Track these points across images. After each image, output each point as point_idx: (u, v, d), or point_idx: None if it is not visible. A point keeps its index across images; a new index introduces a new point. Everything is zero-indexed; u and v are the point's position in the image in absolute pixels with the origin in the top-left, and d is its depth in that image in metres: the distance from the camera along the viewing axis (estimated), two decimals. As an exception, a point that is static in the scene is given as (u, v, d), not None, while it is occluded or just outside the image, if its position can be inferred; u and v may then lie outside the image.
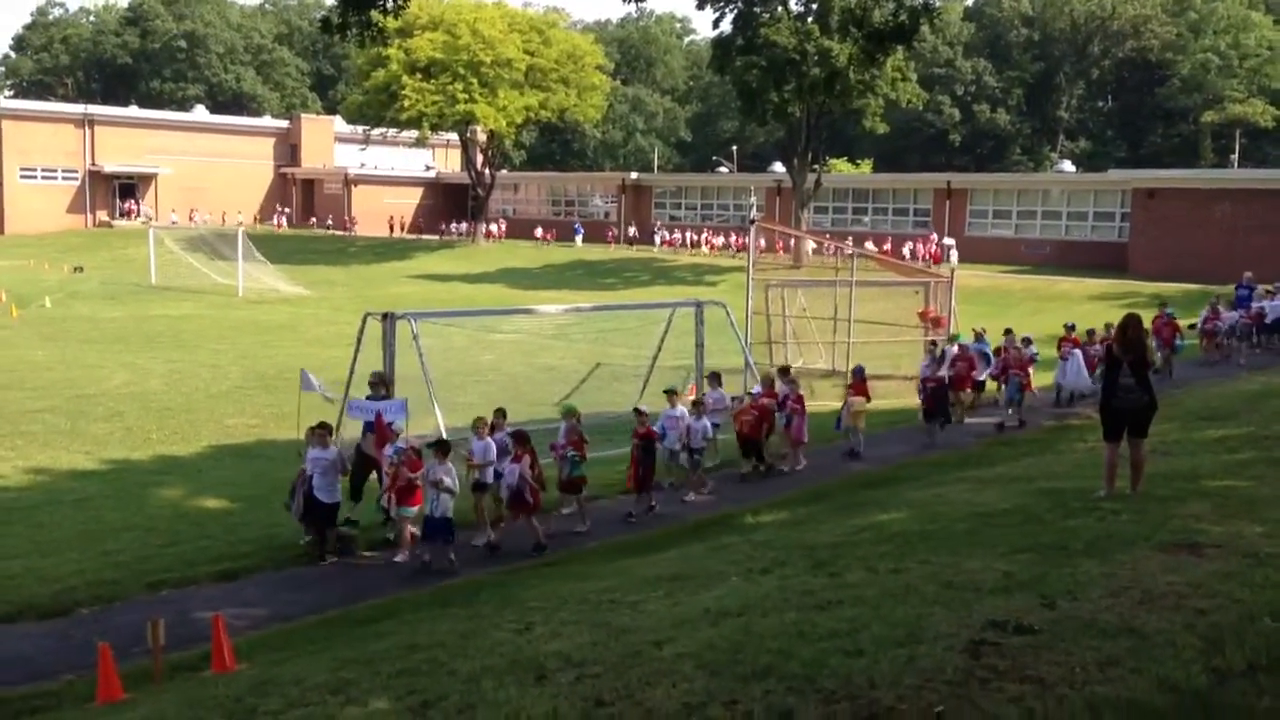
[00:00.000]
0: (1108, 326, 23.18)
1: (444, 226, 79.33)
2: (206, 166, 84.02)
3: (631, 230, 69.33)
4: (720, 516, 14.86)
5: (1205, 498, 10.85)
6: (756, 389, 18.10)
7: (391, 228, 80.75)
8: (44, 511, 16.20)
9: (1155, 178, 52.66)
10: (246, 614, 11.59)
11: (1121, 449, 11.52)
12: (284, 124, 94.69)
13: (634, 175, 77.33)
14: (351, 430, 16.87)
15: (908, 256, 51.96)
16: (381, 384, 15.82)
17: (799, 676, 6.03)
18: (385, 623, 10.86)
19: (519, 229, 75.84)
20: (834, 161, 77.05)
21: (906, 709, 5.48)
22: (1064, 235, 54.00)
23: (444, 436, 14.05)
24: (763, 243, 51.89)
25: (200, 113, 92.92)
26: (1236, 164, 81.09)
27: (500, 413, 15.24)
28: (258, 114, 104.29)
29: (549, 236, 72.40)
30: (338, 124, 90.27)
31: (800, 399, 17.68)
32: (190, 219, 77.48)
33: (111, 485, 17.86)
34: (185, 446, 20.84)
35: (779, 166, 65.25)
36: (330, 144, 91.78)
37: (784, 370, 19.55)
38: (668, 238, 66.75)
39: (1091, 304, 38.92)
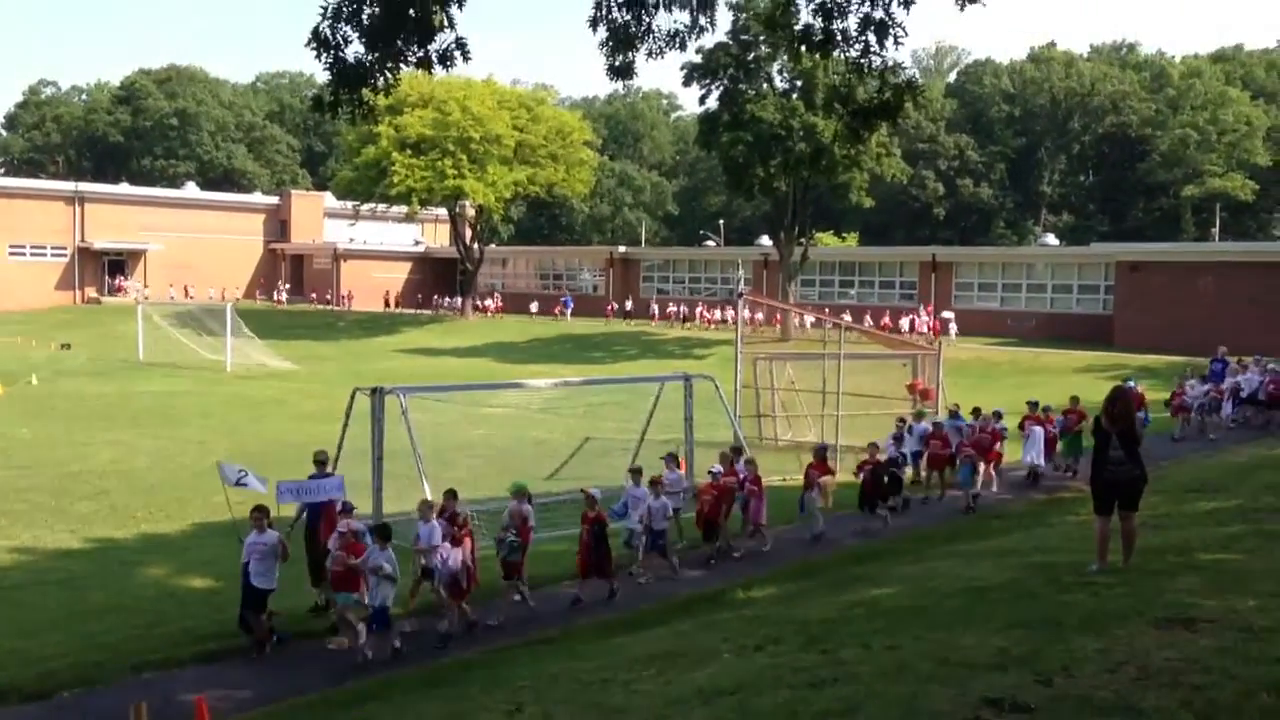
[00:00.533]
0: (1073, 400, 23.82)
1: (437, 300, 79.63)
2: (196, 243, 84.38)
3: (628, 304, 69.44)
4: (711, 592, 14.74)
5: (1197, 571, 10.82)
6: (715, 468, 17.46)
7: (387, 302, 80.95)
8: (27, 591, 15.98)
9: (1138, 251, 53.21)
10: (231, 696, 11.40)
11: (1113, 522, 11.49)
12: (274, 200, 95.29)
13: (622, 249, 77.90)
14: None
15: (906, 329, 52.26)
16: (326, 462, 15.53)
17: (794, 758, 5.94)
18: (370, 705, 10.69)
19: (509, 303, 76.19)
20: (820, 235, 77.77)
21: (904, 791, 5.39)
22: (1049, 308, 54.41)
23: (386, 523, 13.46)
24: (760, 316, 52.33)
25: (191, 189, 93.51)
26: (1218, 237, 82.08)
27: (450, 494, 14.68)
28: (248, 190, 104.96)
29: (558, 310, 72.39)
30: (327, 199, 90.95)
31: (758, 480, 17.23)
32: (186, 295, 77.63)
33: (96, 564, 17.64)
34: (171, 524, 20.63)
35: (766, 240, 65.81)
36: (320, 219, 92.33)
37: (738, 450, 18.77)
38: (670, 310, 66.61)
39: (1077, 376, 39.07)
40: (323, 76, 9.25)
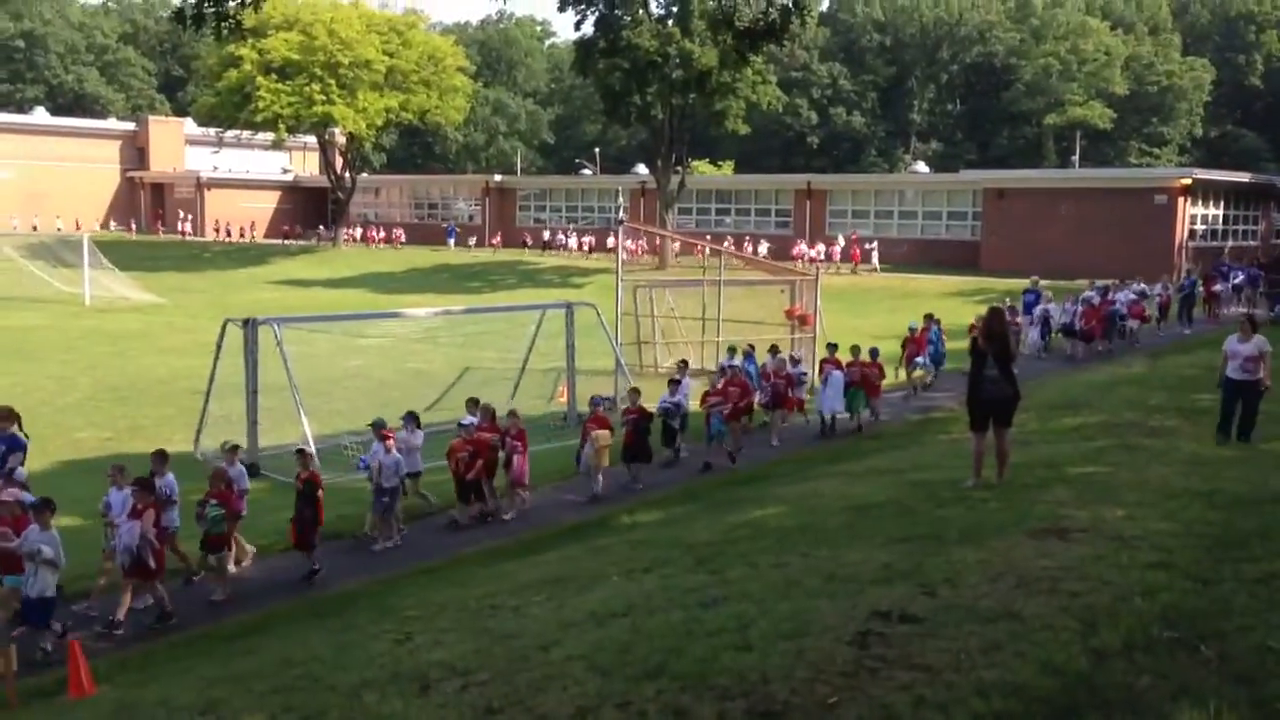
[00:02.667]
0: (912, 327, 24.06)
1: (299, 230, 77.41)
2: (48, 171, 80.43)
3: (546, 235, 66.99)
4: (597, 518, 14.78)
5: (1067, 484, 11.22)
6: (468, 419, 15.49)
7: (242, 232, 77.94)
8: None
9: (1003, 178, 54.60)
10: (105, 635, 11.06)
11: (987, 439, 11.83)
12: (131, 126, 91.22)
13: (498, 178, 76.80)
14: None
15: (821, 257, 52.11)
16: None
17: (691, 675, 5.99)
18: (255, 638, 10.48)
19: (387, 232, 74.72)
20: (696, 163, 77.81)
21: (800, 702, 5.48)
22: (920, 234, 55.55)
23: (49, 497, 11.03)
24: (642, 244, 52.24)
25: (40, 115, 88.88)
26: (1078, 164, 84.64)
27: (160, 456, 12.88)
28: (102, 116, 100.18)
29: (397, 240, 71.07)
30: (188, 126, 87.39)
31: (522, 434, 15.33)
32: (34, 228, 73.99)
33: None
34: (31, 462, 19.75)
35: (643, 169, 65.60)
36: (180, 147, 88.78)
37: (489, 412, 15.96)
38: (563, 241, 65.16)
39: (947, 300, 40.07)
40: (183, -10, 8.76)
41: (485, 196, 73.43)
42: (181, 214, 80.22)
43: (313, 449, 13.40)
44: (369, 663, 7.71)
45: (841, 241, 53.78)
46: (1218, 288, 34.03)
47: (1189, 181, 46.97)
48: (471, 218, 74.42)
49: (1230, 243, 50.18)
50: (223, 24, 8.64)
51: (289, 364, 17.53)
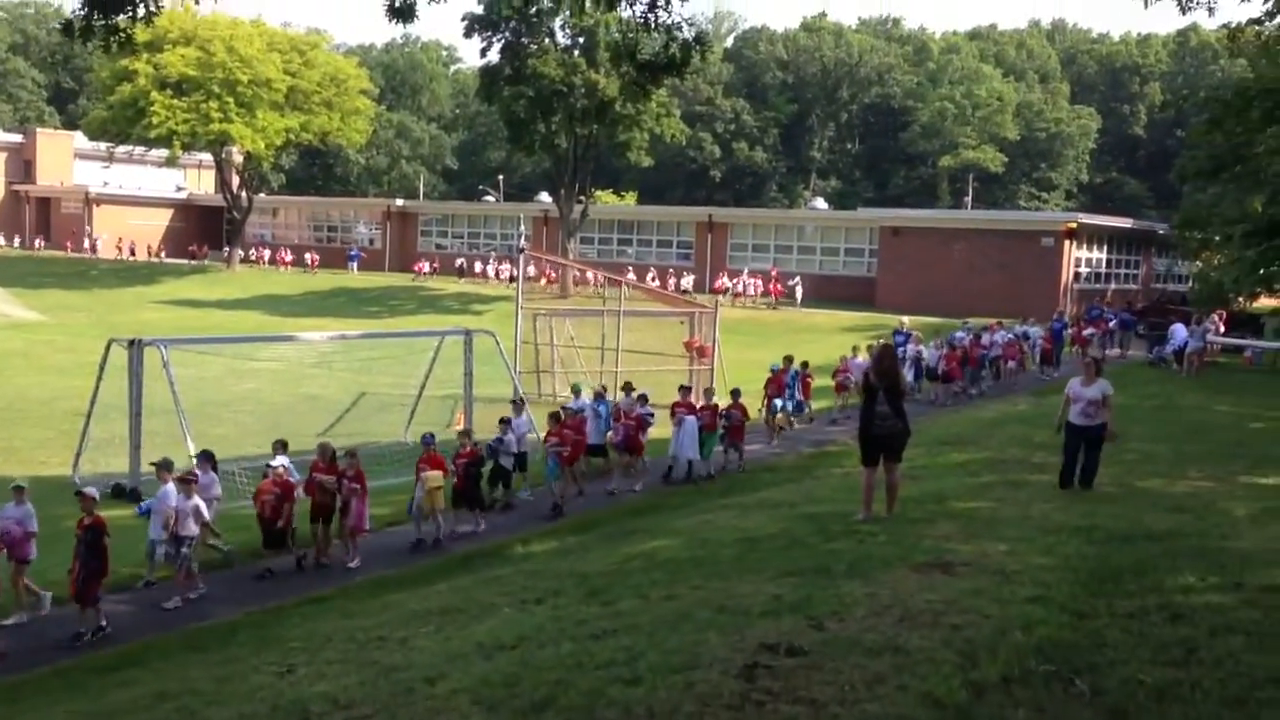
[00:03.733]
0: (774, 367, 22.90)
1: (196, 249, 75.43)
2: (-73, 181, 77.54)
3: (460, 262, 65.39)
4: (491, 547, 14.66)
5: (953, 519, 11.47)
6: (276, 460, 14.34)
7: (133, 250, 75.39)
8: None
9: (899, 217, 55.79)
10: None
11: (878, 473, 12.03)
12: (17, 138, 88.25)
13: (400, 202, 76.04)
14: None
15: (740, 290, 52.58)
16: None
17: (578, 708, 5.96)
18: (130, 670, 10.14)
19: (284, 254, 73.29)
20: (600, 193, 78.07)
21: (685, 736, 5.48)
22: (818, 269, 56.39)
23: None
24: (538, 271, 51.99)
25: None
26: (970, 205, 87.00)
27: None
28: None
29: (314, 264, 69.84)
30: (78, 140, 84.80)
31: (360, 477, 14.19)
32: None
33: None
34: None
35: (545, 196, 65.55)
36: (69, 160, 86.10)
37: (329, 451, 14.80)
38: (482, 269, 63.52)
39: (842, 335, 40.72)
40: (74, 1, 8.53)
41: (386, 221, 72.62)
42: (91, 232, 77.63)
43: (94, 491, 12.19)
44: (249, 696, 7.53)
45: (746, 276, 54.25)
46: (1088, 332, 33.34)
47: (1074, 225, 48.55)
48: (372, 241, 73.54)
49: (1113, 286, 51.95)
50: (112, 37, 8.43)
51: (175, 386, 17.09)
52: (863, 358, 24.67)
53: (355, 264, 68.16)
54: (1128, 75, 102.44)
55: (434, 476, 14.99)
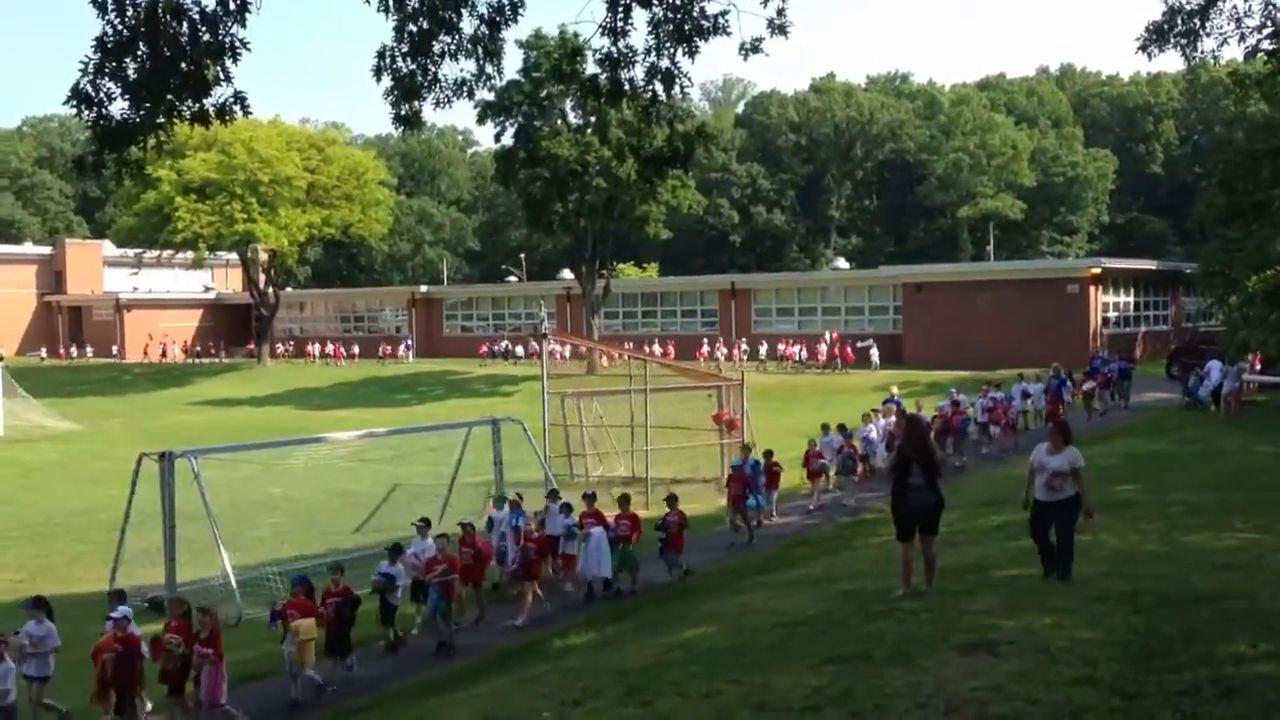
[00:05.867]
0: (734, 464, 20.90)
1: (217, 348, 76.40)
2: (-40, 298, 79.11)
3: (505, 345, 64.67)
4: (529, 643, 14.49)
5: (995, 589, 11.23)
6: (119, 611, 12.59)
7: (164, 353, 76.87)
8: None
9: (921, 272, 55.76)
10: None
11: (915, 546, 11.81)
12: (47, 250, 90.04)
13: (424, 288, 76.79)
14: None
15: (806, 355, 52.45)
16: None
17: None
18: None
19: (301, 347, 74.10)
20: (621, 266, 78.56)
21: None
22: (844, 329, 56.27)
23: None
24: (565, 350, 51.90)
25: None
26: (992, 255, 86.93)
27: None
28: (17, 241, 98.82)
29: (338, 355, 70.40)
30: (106, 248, 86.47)
31: (215, 638, 11.91)
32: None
33: None
34: (-62, 610, 19.02)
35: (568, 273, 66.01)
36: (99, 269, 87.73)
37: (183, 605, 12.69)
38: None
39: (876, 394, 40.48)
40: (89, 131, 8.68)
41: (411, 307, 73.30)
42: (153, 337, 78.95)
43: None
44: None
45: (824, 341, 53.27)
46: (1087, 386, 31.98)
47: (1098, 271, 48.34)
48: (398, 329, 74.16)
49: (1143, 328, 51.56)
50: (123, 169, 8.55)
51: (206, 496, 17.12)
52: (834, 435, 23.73)
53: (411, 353, 68.00)
54: (1140, 115, 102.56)
55: (307, 626, 12.99)
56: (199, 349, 78.39)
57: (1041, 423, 27.99)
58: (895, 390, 30.14)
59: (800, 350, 53.73)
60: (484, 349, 64.60)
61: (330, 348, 72.18)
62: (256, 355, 71.51)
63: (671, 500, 18.00)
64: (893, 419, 24.73)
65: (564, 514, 17.20)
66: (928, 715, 6.96)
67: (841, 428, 24.28)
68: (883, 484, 19.52)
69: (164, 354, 76.94)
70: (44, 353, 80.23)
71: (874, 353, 50.21)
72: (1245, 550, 12.73)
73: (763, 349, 55.66)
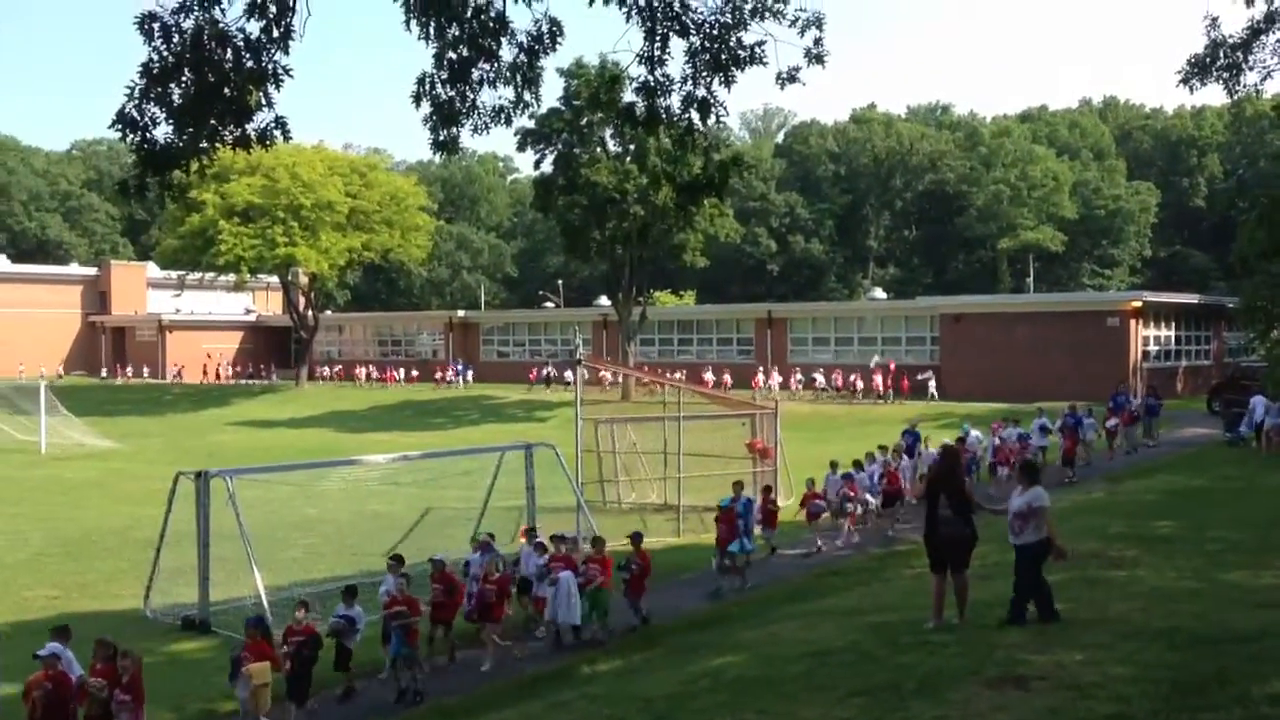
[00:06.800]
0: (723, 504, 19.10)
1: (261, 369, 77.22)
2: (7, 318, 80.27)
3: (549, 371, 63.79)
4: (557, 669, 14.46)
5: (1027, 625, 11.10)
6: (49, 648, 11.37)
7: (204, 371, 77.84)
8: None
9: (959, 304, 55.41)
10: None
11: (947, 578, 11.72)
12: (92, 271, 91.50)
13: (461, 313, 77.23)
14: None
15: (860, 386, 51.79)
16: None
17: None
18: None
19: (346, 370, 74.64)
20: (658, 294, 78.68)
21: None
22: (880, 360, 55.97)
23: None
24: (605, 375, 51.82)
25: (2, 262, 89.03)
26: (1032, 287, 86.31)
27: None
28: (64, 262, 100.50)
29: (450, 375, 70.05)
30: (150, 269, 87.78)
31: (136, 685, 11.08)
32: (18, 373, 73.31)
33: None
34: (-23, 624, 19.24)
35: (605, 300, 66.20)
36: (143, 290, 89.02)
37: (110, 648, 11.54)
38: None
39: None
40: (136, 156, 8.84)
41: (449, 331, 73.74)
42: (210, 356, 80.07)
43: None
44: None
45: (876, 366, 52.63)
46: (1111, 423, 31.27)
47: (1140, 304, 47.87)
48: (435, 353, 74.61)
49: (1184, 363, 50.97)
50: (166, 192, 8.70)
51: (241, 517, 17.23)
52: (841, 472, 22.68)
53: (464, 377, 67.69)
54: (1184, 148, 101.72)
55: (260, 670, 12.08)
56: (250, 370, 79.14)
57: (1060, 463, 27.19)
58: (916, 422, 29.53)
59: (855, 379, 52.94)
60: (533, 374, 64.36)
61: (374, 371, 72.47)
62: (296, 377, 72.12)
63: (636, 538, 16.85)
64: (888, 458, 24.24)
65: (539, 554, 16.32)
66: (955, 749, 6.88)
67: (858, 464, 23.32)
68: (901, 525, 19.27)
69: (216, 375, 77.85)
70: (128, 371, 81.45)
71: (932, 384, 49.56)
72: (1285, 589, 12.53)
73: (819, 378, 54.77)
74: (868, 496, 22.90)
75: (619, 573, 16.17)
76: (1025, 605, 11.17)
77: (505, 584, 15.39)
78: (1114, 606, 11.89)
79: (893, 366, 52.69)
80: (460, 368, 68.73)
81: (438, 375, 69.05)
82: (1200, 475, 26.16)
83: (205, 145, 8.85)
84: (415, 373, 70.77)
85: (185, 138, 8.61)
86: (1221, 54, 16.65)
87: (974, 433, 27.67)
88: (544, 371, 64.18)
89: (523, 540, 17.68)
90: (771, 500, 21.35)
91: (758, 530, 20.20)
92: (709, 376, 54.25)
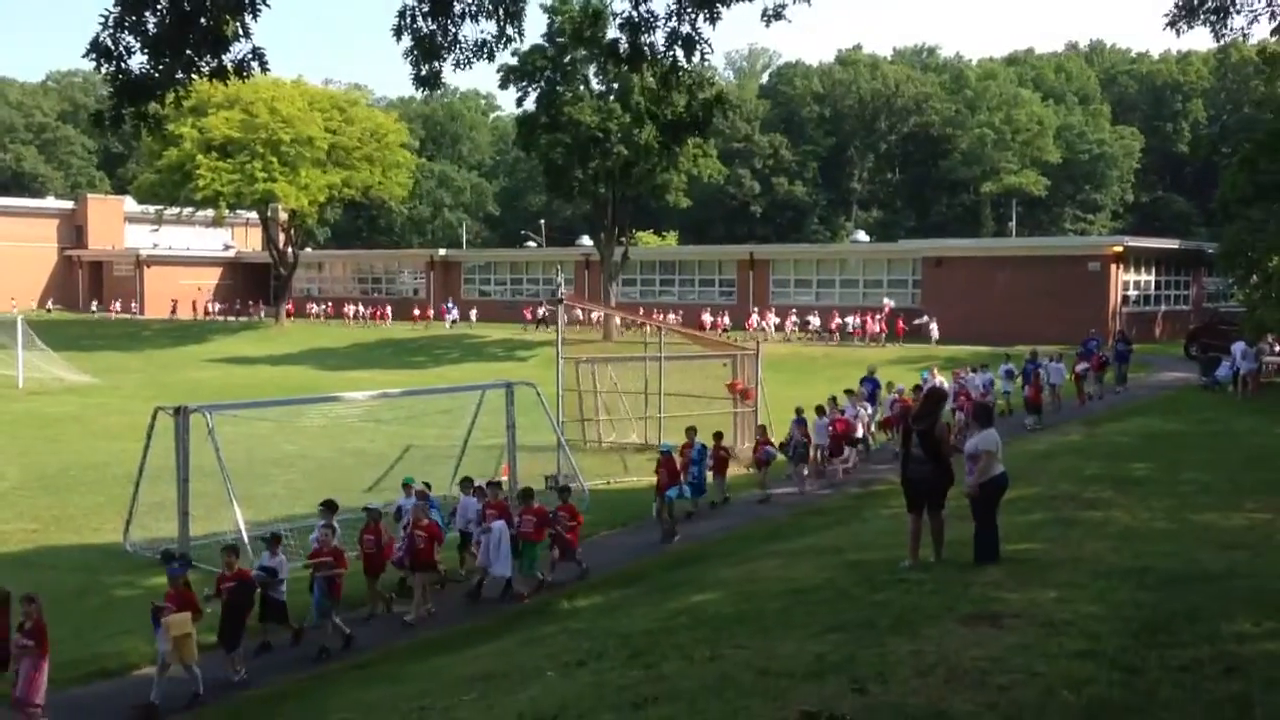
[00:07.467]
0: (665, 449, 19.32)
1: (242, 305, 76.76)
2: (-18, 249, 79.60)
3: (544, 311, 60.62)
4: (537, 603, 14.59)
5: (1002, 564, 11.24)
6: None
7: (174, 310, 77.10)
8: None
9: (941, 247, 55.45)
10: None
11: (923, 518, 11.83)
12: (69, 205, 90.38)
13: (442, 252, 76.79)
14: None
15: (857, 328, 51.12)
16: None
17: (615, 787, 5.87)
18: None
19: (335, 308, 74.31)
20: (641, 234, 78.40)
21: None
22: (862, 302, 56.02)
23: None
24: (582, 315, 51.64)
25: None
26: (1014, 231, 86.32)
27: None
28: (40, 194, 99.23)
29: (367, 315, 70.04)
30: (128, 204, 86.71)
31: (39, 631, 10.71)
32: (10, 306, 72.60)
33: None
34: (-44, 558, 19.24)
35: (587, 240, 65.90)
36: (120, 225, 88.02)
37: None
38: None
39: (891, 369, 40.35)
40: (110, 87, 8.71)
41: (430, 270, 73.40)
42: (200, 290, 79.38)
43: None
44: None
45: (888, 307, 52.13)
46: (1081, 367, 31.06)
47: (1121, 249, 47.98)
48: (416, 291, 74.30)
49: (1163, 308, 51.27)
50: (142, 123, 8.58)
51: (220, 453, 17.21)
52: (810, 416, 22.23)
53: (450, 318, 67.18)
54: (1169, 93, 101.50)
55: (180, 621, 11.42)
56: (236, 305, 78.51)
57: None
58: (874, 368, 28.64)
59: (854, 320, 52.18)
60: (528, 312, 63.51)
61: (364, 309, 71.98)
62: (276, 315, 71.73)
63: (564, 493, 16.35)
64: (859, 408, 24.15)
65: (479, 500, 15.81)
66: (928, 684, 6.99)
67: (820, 409, 22.71)
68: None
69: (205, 311, 77.34)
70: (93, 305, 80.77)
71: (933, 326, 48.62)
72: (1254, 530, 12.73)
73: (814, 320, 54.45)
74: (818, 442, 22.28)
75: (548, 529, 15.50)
76: (991, 542, 11.28)
77: (435, 530, 14.69)
78: (1088, 546, 12.05)
79: (888, 308, 52.02)
80: (450, 307, 68.34)
81: (416, 313, 68.61)
82: (1176, 419, 26.42)
83: (181, 76, 8.72)
84: (416, 312, 69.75)
85: (161, 68, 8.49)
86: (1209, -4, 16.54)
87: (938, 379, 27.47)
88: (540, 311, 63.54)
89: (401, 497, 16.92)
90: (722, 447, 20.82)
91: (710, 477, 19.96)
92: (707, 318, 54.35)
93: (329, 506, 14.60)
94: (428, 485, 16.73)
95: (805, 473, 21.85)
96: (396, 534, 15.18)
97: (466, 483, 16.67)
